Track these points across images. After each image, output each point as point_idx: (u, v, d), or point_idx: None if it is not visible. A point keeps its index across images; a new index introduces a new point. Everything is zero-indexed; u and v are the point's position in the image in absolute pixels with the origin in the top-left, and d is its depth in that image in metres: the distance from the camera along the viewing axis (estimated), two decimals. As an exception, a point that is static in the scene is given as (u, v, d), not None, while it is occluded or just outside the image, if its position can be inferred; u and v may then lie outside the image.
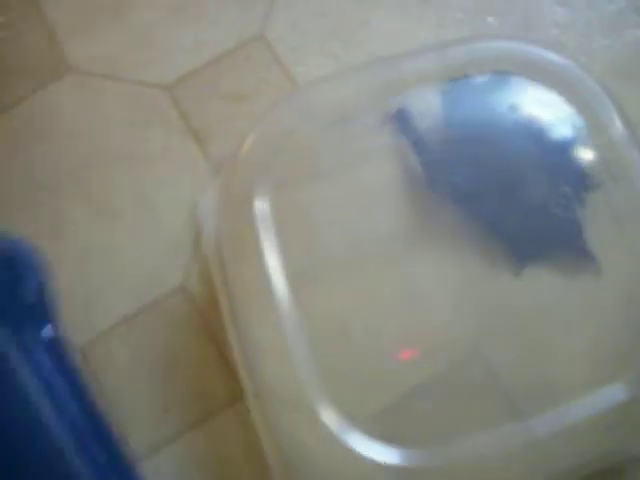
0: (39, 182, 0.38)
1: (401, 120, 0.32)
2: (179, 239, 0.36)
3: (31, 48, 0.41)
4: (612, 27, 0.40)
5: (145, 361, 0.35)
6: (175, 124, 0.39)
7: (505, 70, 0.33)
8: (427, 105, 0.32)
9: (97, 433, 0.32)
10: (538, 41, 0.37)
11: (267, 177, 0.31)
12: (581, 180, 0.32)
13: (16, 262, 0.34)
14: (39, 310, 0.34)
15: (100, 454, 0.31)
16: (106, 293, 0.36)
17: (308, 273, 0.31)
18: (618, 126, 0.31)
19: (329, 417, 0.29)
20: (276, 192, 0.31)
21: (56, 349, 0.33)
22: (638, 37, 0.40)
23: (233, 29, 0.40)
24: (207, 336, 0.35)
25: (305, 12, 0.41)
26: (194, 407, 0.34)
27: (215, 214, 0.34)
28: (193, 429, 0.33)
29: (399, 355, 0.31)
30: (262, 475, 0.32)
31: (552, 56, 0.33)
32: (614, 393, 0.30)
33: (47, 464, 0.31)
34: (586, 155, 0.33)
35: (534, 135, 0.32)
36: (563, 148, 0.32)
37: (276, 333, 0.30)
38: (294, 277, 0.30)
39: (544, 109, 0.32)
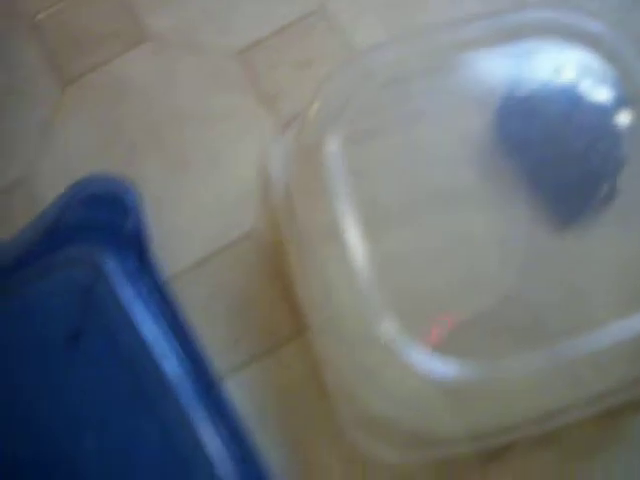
0: (118, 140, 0.42)
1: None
2: (248, 189, 0.40)
3: (110, 17, 0.45)
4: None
5: (217, 299, 0.39)
6: (245, 87, 0.42)
7: (550, 35, 0.36)
8: (482, 67, 0.36)
9: (189, 351, 0.37)
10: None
11: (336, 129, 0.34)
12: (619, 140, 0.35)
13: (117, 198, 0.39)
14: (138, 242, 0.39)
15: (194, 370, 0.36)
16: (178, 238, 0.40)
17: (373, 216, 0.34)
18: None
19: (397, 345, 0.32)
20: (344, 143, 0.34)
21: (153, 277, 0.38)
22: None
23: (297, 1, 0.44)
24: (274, 277, 0.39)
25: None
26: (261, 340, 0.38)
27: (284, 165, 0.38)
28: (260, 359, 0.37)
29: (454, 291, 0.34)
30: (322, 401, 0.36)
31: (593, 23, 0.36)
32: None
33: (148, 379, 0.36)
34: (624, 116, 0.36)
35: (577, 96, 0.35)
36: (603, 109, 0.35)
37: (347, 269, 0.33)
38: (361, 220, 0.33)
39: (586, 72, 0.36)
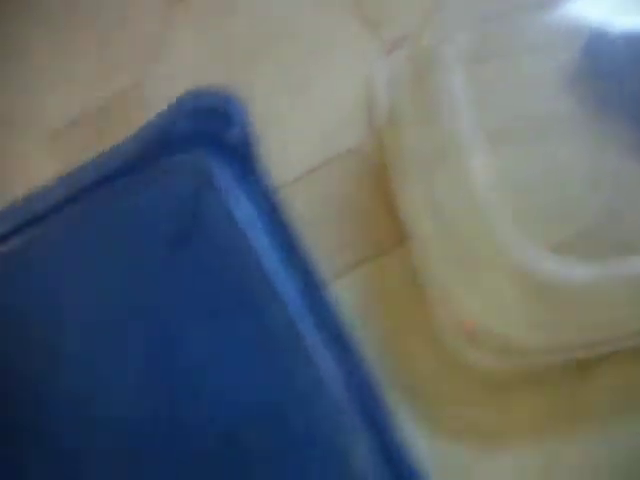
0: (226, 55, 0.44)
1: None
2: (353, 109, 0.41)
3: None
4: None
5: (322, 209, 0.40)
6: (352, 10, 0.43)
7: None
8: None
9: (296, 256, 0.38)
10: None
11: (452, 50, 0.35)
12: None
13: (224, 110, 0.40)
14: (245, 152, 0.40)
15: (301, 274, 0.38)
16: (286, 152, 0.41)
17: (484, 135, 0.34)
18: None
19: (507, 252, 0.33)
20: (458, 65, 0.35)
21: (259, 184, 0.39)
22: None
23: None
24: (377, 191, 0.40)
25: None
26: (365, 248, 0.39)
27: (389, 86, 0.39)
28: (362, 265, 0.39)
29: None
30: (421, 306, 0.37)
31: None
32: None
33: (255, 283, 0.38)
34: None
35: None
36: None
37: (461, 183, 0.34)
38: (473, 138, 0.34)
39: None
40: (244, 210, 0.39)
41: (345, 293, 0.38)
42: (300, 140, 0.41)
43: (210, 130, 0.41)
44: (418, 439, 0.35)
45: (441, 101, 0.35)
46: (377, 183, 0.40)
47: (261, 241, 0.38)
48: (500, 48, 0.36)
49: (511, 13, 0.36)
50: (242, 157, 0.41)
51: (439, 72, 0.35)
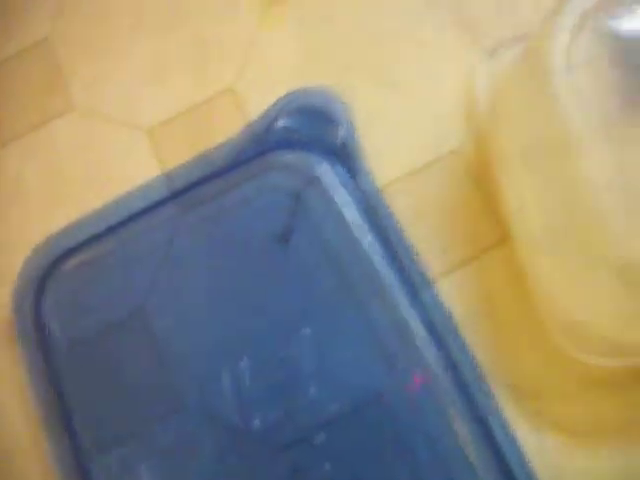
0: (327, 57, 0.45)
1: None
2: (455, 108, 0.42)
3: None
4: None
5: (425, 209, 0.41)
6: (451, 11, 0.44)
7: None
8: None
9: (400, 254, 0.40)
10: None
11: (568, 55, 0.36)
12: None
13: (329, 110, 0.42)
14: (348, 152, 0.42)
15: (404, 272, 0.39)
16: (390, 151, 0.42)
17: (602, 134, 0.34)
18: None
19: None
20: (578, 65, 0.35)
21: (363, 184, 0.41)
22: None
23: None
24: (479, 192, 0.40)
25: None
26: (467, 247, 0.40)
27: (491, 86, 0.40)
28: (466, 265, 0.40)
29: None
30: (524, 304, 0.38)
31: None
32: None
33: (358, 280, 0.39)
34: None
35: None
36: None
37: (581, 180, 0.34)
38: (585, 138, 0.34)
39: None
40: (348, 208, 0.40)
41: (449, 292, 0.39)
42: (401, 141, 0.42)
43: (315, 130, 0.43)
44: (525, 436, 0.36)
45: (558, 100, 0.35)
46: (477, 184, 0.41)
47: (367, 238, 0.40)
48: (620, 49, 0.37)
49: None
50: (346, 156, 0.42)
51: (558, 71, 0.35)
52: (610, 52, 0.36)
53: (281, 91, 0.43)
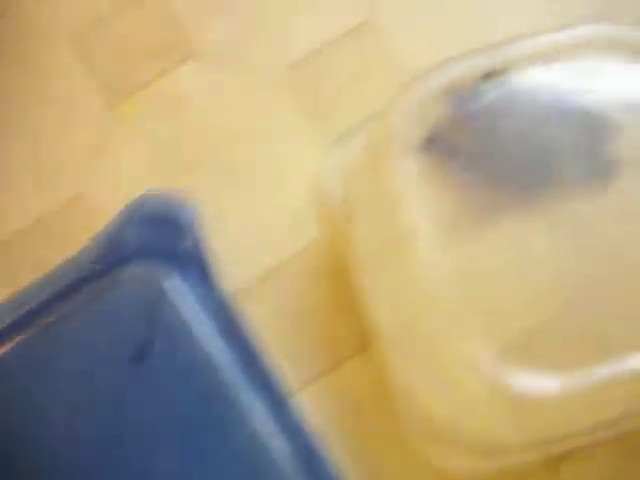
0: (172, 159, 0.43)
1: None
2: (306, 203, 0.40)
3: (156, 31, 0.45)
4: None
5: (278, 316, 0.39)
6: (298, 102, 0.43)
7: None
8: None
9: (257, 366, 0.37)
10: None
11: (412, 142, 0.35)
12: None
13: (175, 216, 0.40)
14: (199, 259, 0.39)
15: (263, 385, 0.36)
16: (236, 254, 0.40)
17: (443, 228, 0.34)
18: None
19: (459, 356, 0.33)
20: (420, 156, 0.35)
21: (216, 293, 0.39)
22: None
23: (347, 12, 0.44)
24: (337, 291, 0.39)
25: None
26: (328, 354, 0.38)
27: (341, 178, 0.39)
28: (327, 374, 0.38)
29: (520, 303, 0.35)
30: (390, 412, 0.36)
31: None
32: None
33: (215, 394, 0.37)
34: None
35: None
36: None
37: (418, 280, 0.34)
38: (434, 231, 0.34)
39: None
40: (202, 321, 0.38)
41: (311, 403, 0.37)
42: (255, 242, 0.41)
43: (163, 237, 0.40)
44: None
45: (395, 192, 0.35)
46: (337, 283, 0.39)
47: (221, 354, 0.37)
48: (461, 135, 0.36)
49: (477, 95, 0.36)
50: (197, 264, 0.40)
51: (394, 162, 0.35)
52: (452, 142, 0.35)
53: (128, 197, 0.41)
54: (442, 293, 0.33)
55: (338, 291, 0.39)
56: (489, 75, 0.36)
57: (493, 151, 0.35)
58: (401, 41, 0.43)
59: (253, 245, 0.41)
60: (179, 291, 0.39)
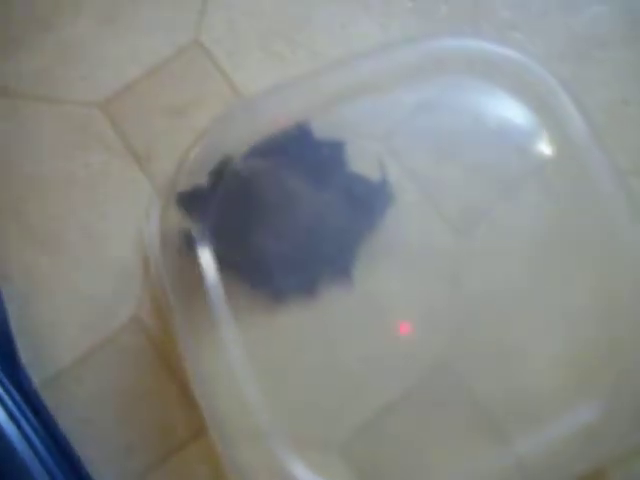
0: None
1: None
2: (128, 267, 0.35)
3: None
4: (568, 5, 0.39)
5: (102, 400, 0.34)
6: (113, 144, 0.37)
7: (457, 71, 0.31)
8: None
9: (68, 467, 0.32)
10: (487, 34, 0.36)
11: (206, 205, 0.30)
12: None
13: None
14: (2, 342, 0.34)
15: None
16: (56, 332, 0.35)
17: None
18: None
19: (281, 449, 0.29)
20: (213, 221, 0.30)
21: (22, 383, 0.33)
22: (593, 14, 0.39)
23: (166, 37, 0.38)
24: (166, 369, 0.34)
25: (240, 11, 0.39)
26: (158, 443, 0.33)
27: (161, 240, 0.33)
28: (159, 466, 0.33)
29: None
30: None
31: (504, 51, 0.32)
32: (593, 405, 0.29)
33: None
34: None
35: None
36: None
37: (227, 367, 0.30)
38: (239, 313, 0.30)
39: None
40: (2, 411, 0.33)
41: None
42: (71, 316, 0.35)
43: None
44: None
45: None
46: (164, 360, 0.34)
47: (27, 453, 0.32)
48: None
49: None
50: (2, 348, 0.34)
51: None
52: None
53: None
54: (251, 387, 0.30)
55: (169, 370, 0.34)
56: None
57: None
58: (228, 66, 0.38)
59: (70, 320, 0.35)
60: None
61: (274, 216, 0.31)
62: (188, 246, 0.31)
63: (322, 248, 0.31)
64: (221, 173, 0.31)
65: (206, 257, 0.30)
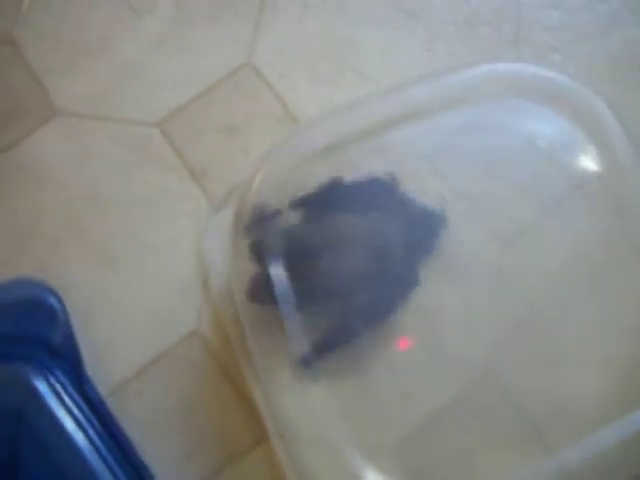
0: (37, 235, 0.38)
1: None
2: (187, 282, 0.37)
3: (15, 92, 0.40)
4: (606, 28, 0.40)
5: (164, 409, 0.35)
6: (170, 162, 0.39)
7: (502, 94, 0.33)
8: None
9: (133, 471, 0.34)
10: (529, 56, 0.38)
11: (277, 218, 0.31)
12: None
13: (42, 308, 0.36)
14: (69, 354, 0.35)
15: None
16: (117, 345, 0.36)
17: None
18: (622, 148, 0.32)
19: (349, 453, 0.30)
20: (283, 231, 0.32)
21: (89, 392, 0.35)
22: (631, 37, 0.40)
23: (219, 58, 0.40)
24: (225, 379, 0.35)
25: (290, 35, 0.41)
26: (217, 451, 0.34)
27: (222, 250, 0.35)
28: (218, 474, 0.34)
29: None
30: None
31: (549, 74, 0.33)
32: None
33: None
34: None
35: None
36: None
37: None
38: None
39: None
40: (74, 423, 0.34)
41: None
42: (133, 329, 0.36)
43: (28, 332, 0.36)
44: None
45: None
46: (225, 369, 0.35)
47: (93, 456, 0.33)
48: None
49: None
50: (68, 360, 0.36)
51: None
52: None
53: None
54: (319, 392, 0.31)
55: (230, 380, 0.35)
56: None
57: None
58: (279, 87, 0.39)
59: (131, 333, 0.36)
60: (49, 391, 0.34)
61: (342, 247, 0.33)
62: (259, 261, 0.32)
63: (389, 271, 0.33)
64: (300, 204, 0.32)
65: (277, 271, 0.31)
